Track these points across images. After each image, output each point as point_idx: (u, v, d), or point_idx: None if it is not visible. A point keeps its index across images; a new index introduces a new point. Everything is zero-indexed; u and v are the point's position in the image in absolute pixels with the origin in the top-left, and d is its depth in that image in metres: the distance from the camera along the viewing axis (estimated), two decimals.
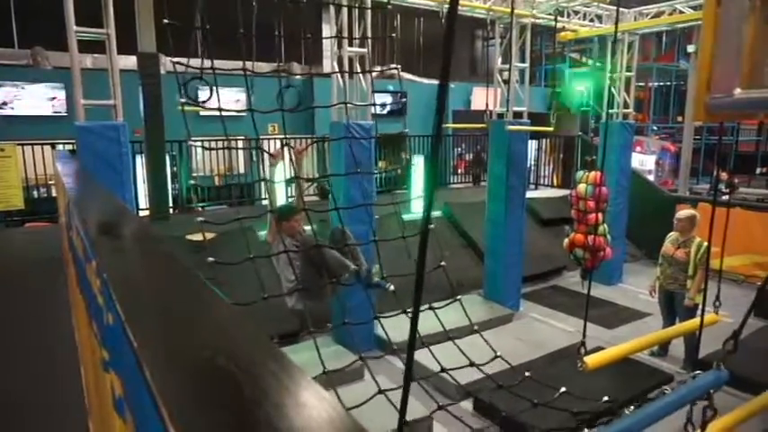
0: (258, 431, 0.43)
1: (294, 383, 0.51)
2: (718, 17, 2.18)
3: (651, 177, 13.91)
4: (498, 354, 3.95)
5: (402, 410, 1.01)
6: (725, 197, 7.72)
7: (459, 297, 4.23)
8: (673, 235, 5.53)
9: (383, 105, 12.53)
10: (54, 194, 6.98)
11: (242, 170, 11.03)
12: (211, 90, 3.97)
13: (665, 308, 5.58)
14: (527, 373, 3.82)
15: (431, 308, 3.92)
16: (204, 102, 4.17)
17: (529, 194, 8.17)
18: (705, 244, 5.14)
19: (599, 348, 4.79)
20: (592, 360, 3.97)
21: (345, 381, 4.39)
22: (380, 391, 3.54)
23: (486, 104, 7.03)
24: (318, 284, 3.99)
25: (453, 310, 4.07)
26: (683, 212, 5.49)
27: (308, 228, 4.08)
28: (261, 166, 6.35)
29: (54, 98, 9.56)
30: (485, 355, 3.96)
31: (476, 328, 4.14)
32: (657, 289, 5.58)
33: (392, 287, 3.96)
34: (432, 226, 4.29)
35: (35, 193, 8.17)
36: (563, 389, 3.58)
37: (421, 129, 11.52)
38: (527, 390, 3.75)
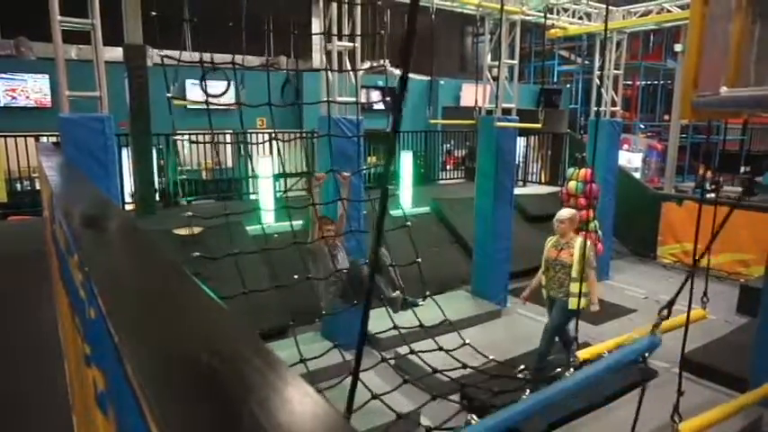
0: (240, 426, 0.42)
1: (279, 379, 0.50)
2: (704, 16, 2.19)
3: (638, 175, 14.03)
4: (491, 357, 4.02)
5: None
6: (710, 195, 7.79)
7: (428, 293, 4.42)
8: (552, 239, 5.17)
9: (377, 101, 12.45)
10: (38, 187, 6.88)
11: (230, 164, 10.93)
12: (228, 83, 3.98)
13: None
14: (522, 367, 3.89)
15: (412, 304, 4.07)
16: (221, 95, 4.17)
17: (517, 191, 8.20)
18: (588, 242, 4.83)
19: (587, 344, 4.83)
20: None
21: (333, 376, 4.40)
22: (375, 396, 3.58)
23: (476, 101, 7.04)
24: (352, 301, 4.33)
25: (441, 304, 4.09)
26: (564, 213, 5.14)
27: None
28: (249, 161, 6.36)
29: (38, 89, 9.39)
30: (472, 350, 3.99)
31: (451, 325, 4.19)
32: (545, 296, 5.16)
33: (422, 302, 4.31)
34: (409, 224, 4.41)
35: (18, 185, 8.03)
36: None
37: (410, 124, 11.50)
38: (512, 384, 3.79)
